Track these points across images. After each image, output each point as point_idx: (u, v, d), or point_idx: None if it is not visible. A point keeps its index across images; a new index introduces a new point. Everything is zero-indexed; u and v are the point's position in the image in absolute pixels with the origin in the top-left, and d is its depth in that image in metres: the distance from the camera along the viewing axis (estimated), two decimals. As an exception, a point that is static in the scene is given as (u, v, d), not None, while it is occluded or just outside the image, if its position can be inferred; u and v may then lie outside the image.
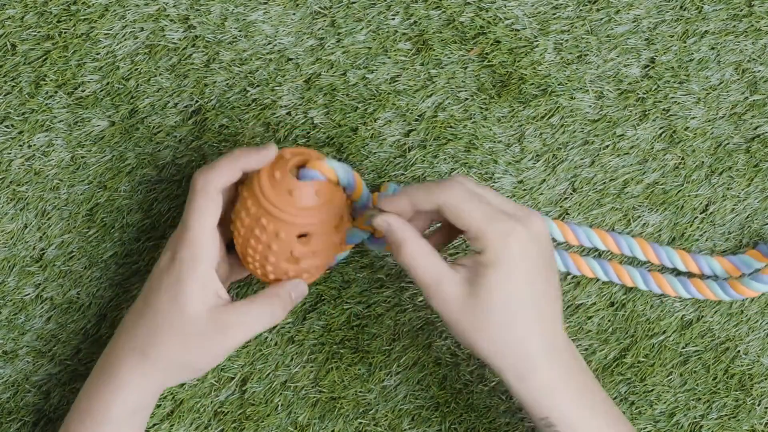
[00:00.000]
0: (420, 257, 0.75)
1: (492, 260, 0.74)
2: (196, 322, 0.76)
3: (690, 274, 0.87)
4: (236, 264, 0.81)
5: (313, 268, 0.77)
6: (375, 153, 0.86)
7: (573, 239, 0.86)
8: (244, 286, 0.86)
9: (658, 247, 0.87)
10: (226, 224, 0.79)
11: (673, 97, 0.87)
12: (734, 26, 0.87)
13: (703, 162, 0.88)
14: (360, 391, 0.87)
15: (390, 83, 0.86)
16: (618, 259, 0.87)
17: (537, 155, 0.87)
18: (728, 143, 0.88)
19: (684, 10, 0.87)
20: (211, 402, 0.86)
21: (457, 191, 0.76)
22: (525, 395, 0.76)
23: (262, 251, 0.76)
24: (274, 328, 0.86)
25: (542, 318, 0.76)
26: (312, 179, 0.76)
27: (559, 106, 0.87)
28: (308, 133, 0.86)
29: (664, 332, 0.87)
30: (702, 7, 0.87)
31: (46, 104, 0.85)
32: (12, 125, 0.85)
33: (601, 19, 0.87)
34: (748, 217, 0.88)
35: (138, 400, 0.77)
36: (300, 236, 0.75)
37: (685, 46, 0.87)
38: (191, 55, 0.85)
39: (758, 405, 0.87)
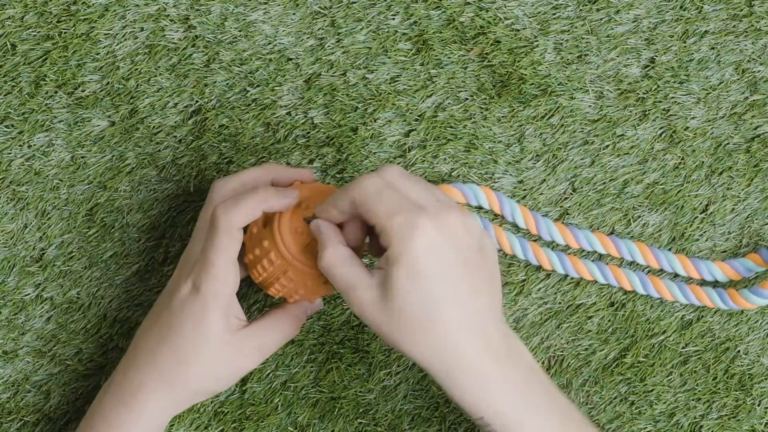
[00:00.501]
0: (337, 263, 0.74)
1: (396, 256, 0.72)
2: (220, 351, 0.77)
3: (690, 279, 0.88)
4: (242, 270, 0.82)
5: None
6: (375, 153, 0.87)
7: (573, 242, 0.86)
8: (247, 285, 0.86)
9: (658, 252, 0.87)
10: None
11: (673, 97, 0.88)
12: (734, 26, 0.88)
13: (703, 162, 0.88)
14: (360, 391, 0.87)
15: (390, 83, 0.87)
16: (617, 262, 0.88)
17: (537, 155, 0.87)
18: (728, 143, 0.88)
19: (684, 10, 0.88)
20: (211, 402, 0.86)
21: (368, 184, 0.74)
22: (458, 395, 0.74)
23: (287, 292, 0.78)
24: (274, 328, 0.89)
25: (469, 314, 0.74)
26: None
27: (559, 106, 0.87)
28: (308, 133, 0.87)
29: (664, 332, 0.88)
30: (702, 7, 0.87)
31: (46, 104, 0.86)
32: (12, 125, 0.86)
33: (601, 19, 0.87)
34: (748, 217, 0.88)
35: (158, 424, 0.79)
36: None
37: (685, 46, 0.88)
38: (191, 55, 0.86)
39: (758, 405, 0.88)
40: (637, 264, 0.88)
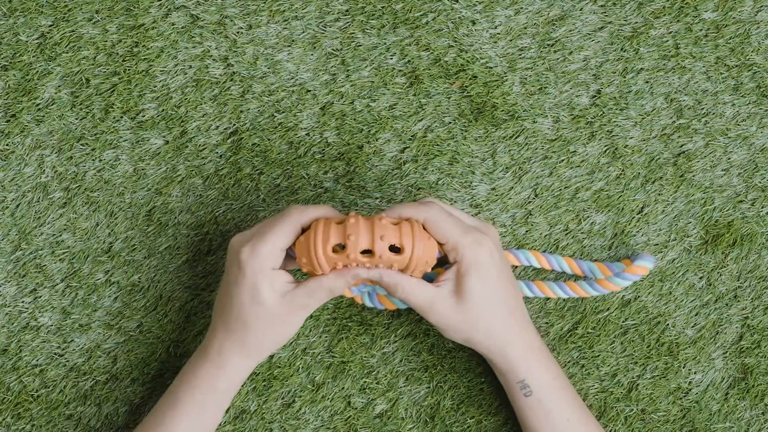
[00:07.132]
0: (411, 289, 0.80)
1: (468, 266, 0.79)
2: (274, 312, 0.80)
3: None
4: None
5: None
6: (377, 166, 0.90)
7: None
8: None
9: (549, 256, 0.89)
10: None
11: (615, 121, 0.90)
12: (664, 64, 0.90)
13: (639, 173, 0.90)
14: (365, 356, 0.90)
15: (389, 110, 0.90)
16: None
17: (506, 168, 0.90)
18: (659, 158, 0.90)
19: (624, 51, 0.90)
20: (246, 365, 0.87)
21: (437, 210, 0.80)
22: (506, 365, 0.82)
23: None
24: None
25: (512, 307, 0.82)
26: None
27: (524, 129, 0.90)
28: (323, 150, 0.90)
29: (608, 309, 0.91)
30: (638, 49, 0.90)
31: (114, 127, 0.89)
32: (86, 143, 0.89)
33: (558, 58, 0.90)
34: (675, 217, 0.90)
35: (238, 376, 0.83)
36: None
37: (624, 80, 0.90)
38: (230, 87, 0.90)
39: (683, 367, 0.90)
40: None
